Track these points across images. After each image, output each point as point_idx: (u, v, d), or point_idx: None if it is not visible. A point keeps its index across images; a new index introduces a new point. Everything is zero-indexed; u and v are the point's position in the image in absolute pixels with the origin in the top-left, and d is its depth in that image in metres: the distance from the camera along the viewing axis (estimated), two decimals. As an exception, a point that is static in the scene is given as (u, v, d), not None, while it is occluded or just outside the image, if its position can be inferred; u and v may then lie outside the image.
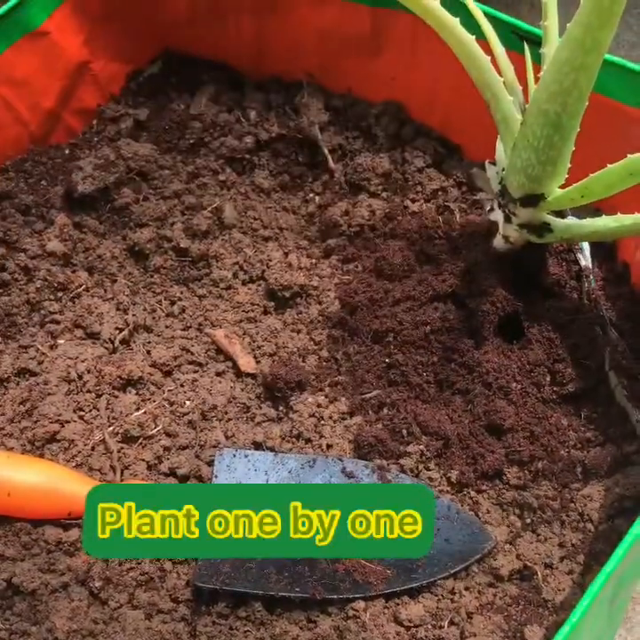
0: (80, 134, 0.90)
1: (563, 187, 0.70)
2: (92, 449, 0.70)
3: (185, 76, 0.93)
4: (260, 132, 0.90)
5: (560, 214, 0.73)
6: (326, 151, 0.89)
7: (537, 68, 0.70)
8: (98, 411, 0.72)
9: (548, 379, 0.74)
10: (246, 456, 0.70)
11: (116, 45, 0.90)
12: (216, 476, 0.69)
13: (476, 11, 0.72)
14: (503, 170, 0.73)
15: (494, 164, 0.75)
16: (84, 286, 0.80)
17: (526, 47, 0.73)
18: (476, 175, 0.88)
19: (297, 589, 0.63)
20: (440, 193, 0.88)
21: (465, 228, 0.82)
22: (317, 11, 0.84)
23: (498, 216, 0.75)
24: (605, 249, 0.81)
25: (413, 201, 0.87)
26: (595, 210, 0.78)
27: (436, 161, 0.89)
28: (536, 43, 0.72)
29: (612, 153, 0.68)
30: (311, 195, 0.89)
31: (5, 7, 0.79)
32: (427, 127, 0.90)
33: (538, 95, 0.63)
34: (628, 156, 0.63)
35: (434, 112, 0.89)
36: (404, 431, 0.72)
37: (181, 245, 0.83)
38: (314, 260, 0.85)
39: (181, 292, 0.82)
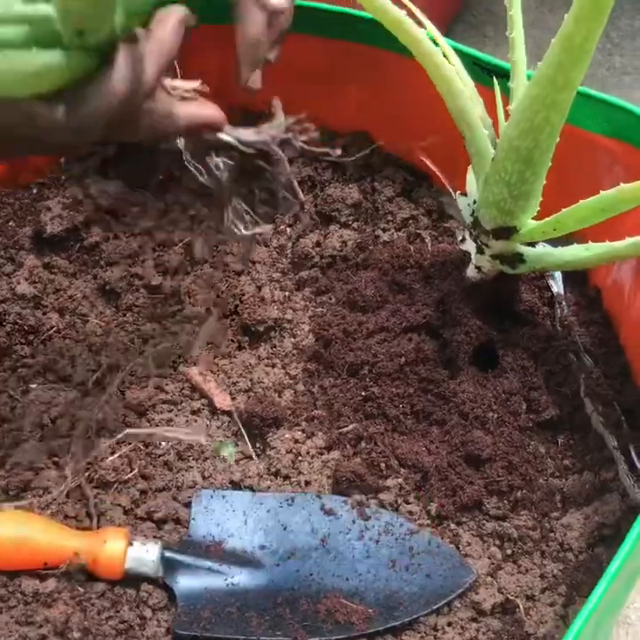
0: (47, 173, 0.90)
1: (535, 218, 0.70)
2: (67, 496, 0.69)
3: (152, 112, 0.92)
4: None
5: (531, 243, 0.73)
6: (296, 183, 0.89)
7: (505, 101, 0.71)
8: (72, 456, 0.72)
9: (524, 407, 0.74)
10: (224, 496, 0.70)
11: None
12: (194, 519, 0.68)
13: (444, 44, 0.72)
14: (475, 202, 0.73)
15: (465, 195, 0.75)
16: (55, 328, 0.79)
17: (495, 81, 0.73)
18: (446, 203, 0.88)
19: (279, 633, 0.63)
20: (411, 221, 0.88)
21: (437, 257, 0.82)
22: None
23: (470, 247, 0.75)
24: (577, 275, 0.81)
25: (384, 230, 0.87)
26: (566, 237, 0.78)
27: (406, 189, 0.90)
28: (501, 75, 0.72)
29: (581, 179, 0.69)
30: (282, 226, 0.89)
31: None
32: (395, 156, 0.90)
33: (509, 131, 0.64)
34: (601, 192, 0.63)
35: (402, 141, 0.89)
36: (383, 465, 0.72)
37: (153, 282, 0.83)
38: (287, 293, 0.85)
39: (154, 330, 0.81)
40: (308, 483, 0.71)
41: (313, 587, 0.66)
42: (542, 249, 0.73)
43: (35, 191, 0.88)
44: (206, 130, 0.63)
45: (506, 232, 0.70)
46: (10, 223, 0.85)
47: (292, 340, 0.81)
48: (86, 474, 0.70)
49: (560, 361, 0.75)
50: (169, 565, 0.65)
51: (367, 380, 0.76)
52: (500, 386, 0.74)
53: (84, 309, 0.82)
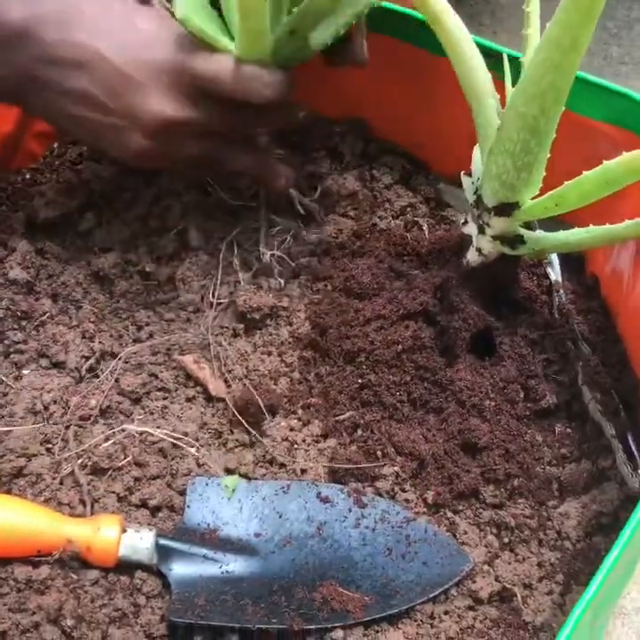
0: (41, 158, 0.89)
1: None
2: (61, 483, 0.69)
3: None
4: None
5: (529, 227, 0.72)
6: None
7: (500, 84, 0.70)
8: (66, 443, 0.71)
9: (522, 395, 0.74)
10: (219, 484, 0.69)
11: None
12: (188, 506, 0.68)
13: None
14: (478, 179, 0.72)
15: (469, 175, 0.75)
16: (48, 314, 0.79)
17: (505, 58, 0.72)
18: (444, 190, 0.88)
19: (274, 620, 0.62)
20: (408, 209, 0.88)
21: (434, 244, 0.81)
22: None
23: (472, 229, 0.74)
24: (574, 262, 0.81)
25: (381, 218, 0.87)
26: (561, 223, 0.77)
27: (403, 177, 0.89)
28: (501, 59, 0.72)
29: (581, 166, 0.68)
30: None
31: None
32: (392, 144, 0.89)
33: (515, 99, 0.63)
34: (604, 162, 0.62)
35: (399, 128, 0.88)
36: (379, 453, 0.71)
37: (147, 269, 0.82)
38: (283, 280, 0.84)
39: (148, 317, 0.81)
40: (303, 470, 0.71)
41: (309, 575, 0.65)
42: (541, 233, 0.72)
43: (28, 176, 0.87)
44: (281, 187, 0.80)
45: (508, 208, 0.69)
46: (2, 208, 0.84)
47: (289, 327, 0.80)
48: (79, 461, 0.70)
49: (558, 349, 0.75)
50: (163, 553, 0.64)
51: (364, 367, 0.75)
52: (497, 374, 0.74)
53: (77, 295, 0.81)
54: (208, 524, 0.67)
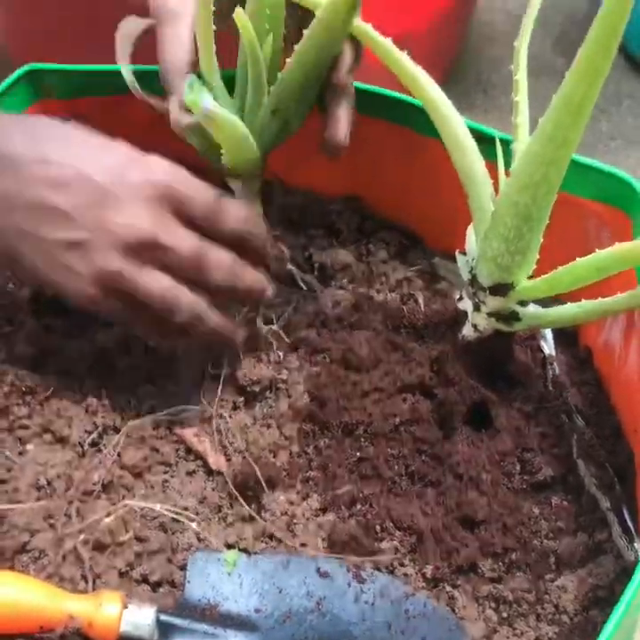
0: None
1: (531, 277, 0.71)
2: (63, 558, 0.69)
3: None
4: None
5: (523, 304, 0.74)
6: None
7: (490, 166, 0.72)
8: (68, 518, 0.71)
9: (518, 468, 0.75)
10: (219, 559, 0.70)
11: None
12: (189, 581, 0.68)
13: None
14: (473, 259, 0.74)
15: (464, 253, 0.77)
16: (52, 389, 0.80)
17: (498, 142, 0.75)
18: (439, 265, 0.90)
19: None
20: (404, 283, 0.90)
21: (430, 317, 0.83)
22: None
23: (467, 305, 0.76)
24: (567, 335, 0.83)
25: (378, 292, 0.89)
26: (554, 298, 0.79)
27: (399, 251, 0.91)
28: (492, 142, 0.74)
29: (569, 243, 0.70)
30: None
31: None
32: (388, 219, 0.92)
33: (509, 187, 0.66)
34: (597, 251, 0.65)
35: (395, 205, 0.91)
36: (378, 527, 0.72)
37: (149, 344, 0.83)
38: (282, 353, 0.85)
39: (150, 391, 0.82)
40: (303, 545, 0.71)
41: (308, 651, 0.66)
42: (536, 309, 0.74)
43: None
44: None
45: (503, 289, 0.71)
46: (9, 285, 0.86)
47: (288, 400, 0.81)
48: (82, 536, 0.70)
49: (553, 422, 0.76)
50: (164, 629, 0.65)
51: (362, 440, 0.76)
52: (493, 447, 0.75)
53: (80, 371, 0.82)
54: (208, 600, 0.68)
